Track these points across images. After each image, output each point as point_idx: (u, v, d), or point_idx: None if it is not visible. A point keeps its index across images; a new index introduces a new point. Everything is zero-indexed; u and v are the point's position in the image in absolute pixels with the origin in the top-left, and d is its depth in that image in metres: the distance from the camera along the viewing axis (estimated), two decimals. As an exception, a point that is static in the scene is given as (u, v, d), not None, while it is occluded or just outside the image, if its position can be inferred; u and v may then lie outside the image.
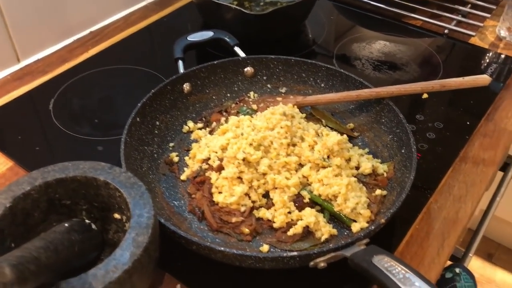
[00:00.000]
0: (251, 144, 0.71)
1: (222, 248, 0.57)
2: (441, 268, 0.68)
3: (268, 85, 0.88)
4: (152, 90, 0.78)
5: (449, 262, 0.85)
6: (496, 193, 1.03)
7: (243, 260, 0.58)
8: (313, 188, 0.69)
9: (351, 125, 0.83)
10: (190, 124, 0.82)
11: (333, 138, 0.73)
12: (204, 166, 0.73)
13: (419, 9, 1.17)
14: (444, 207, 0.75)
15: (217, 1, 0.99)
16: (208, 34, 0.94)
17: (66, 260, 0.51)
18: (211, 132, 0.80)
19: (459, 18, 1.14)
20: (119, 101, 0.93)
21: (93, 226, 0.60)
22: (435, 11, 1.17)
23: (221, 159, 0.72)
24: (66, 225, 0.56)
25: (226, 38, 0.93)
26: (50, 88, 0.94)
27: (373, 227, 0.61)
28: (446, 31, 1.11)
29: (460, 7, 1.18)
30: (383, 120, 0.79)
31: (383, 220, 0.61)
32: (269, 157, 0.71)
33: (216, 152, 0.73)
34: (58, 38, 1.05)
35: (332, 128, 0.81)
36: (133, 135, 0.73)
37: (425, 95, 0.92)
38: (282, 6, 1.04)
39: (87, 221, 0.60)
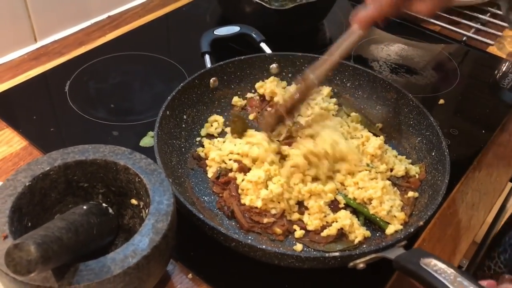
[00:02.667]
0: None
1: (264, 246, 0.57)
2: (452, 274, 0.68)
3: (293, 83, 0.87)
4: (181, 84, 0.77)
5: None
6: (504, 204, 1.03)
7: (283, 259, 0.58)
8: (348, 192, 0.69)
9: (379, 125, 0.83)
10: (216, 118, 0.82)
11: (373, 143, 0.73)
12: (224, 165, 0.73)
13: (439, 14, 1.17)
14: (457, 214, 0.75)
15: (238, -6, 0.99)
16: (234, 29, 0.93)
17: (85, 242, 0.50)
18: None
19: (478, 26, 1.14)
20: (135, 87, 0.92)
21: (110, 210, 0.60)
22: (454, 17, 1.16)
23: (238, 161, 0.71)
24: (85, 207, 0.56)
25: (252, 34, 0.93)
26: (66, 70, 0.94)
27: (412, 229, 0.61)
28: (464, 38, 1.11)
29: (480, 15, 1.17)
30: (411, 122, 0.79)
31: (421, 223, 0.61)
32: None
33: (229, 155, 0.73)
34: (76, 21, 1.04)
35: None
36: (163, 129, 0.72)
37: (441, 101, 0.92)
38: (302, 2, 1.03)
39: (104, 204, 0.60)
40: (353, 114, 0.81)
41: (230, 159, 0.72)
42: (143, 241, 0.51)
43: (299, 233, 0.66)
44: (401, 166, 0.73)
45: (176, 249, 0.61)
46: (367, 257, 0.57)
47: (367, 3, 0.71)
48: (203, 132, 0.79)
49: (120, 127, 0.82)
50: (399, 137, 0.80)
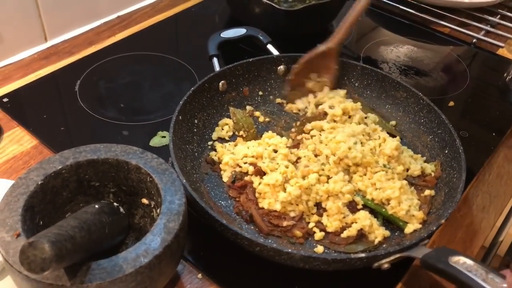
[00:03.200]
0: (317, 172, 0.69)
1: (290, 250, 0.57)
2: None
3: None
4: (192, 88, 0.77)
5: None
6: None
7: (309, 262, 0.58)
8: (366, 193, 0.69)
9: (394, 122, 0.83)
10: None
11: (390, 144, 0.73)
12: (238, 169, 0.72)
13: (448, 16, 1.16)
14: (467, 216, 0.74)
15: (247, -6, 0.99)
16: (241, 31, 0.93)
17: (97, 241, 0.51)
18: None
19: (488, 28, 1.14)
20: (145, 87, 0.93)
21: (121, 209, 0.60)
22: (463, 19, 1.16)
23: (254, 164, 0.71)
24: (97, 206, 0.56)
25: (259, 36, 0.93)
26: (76, 69, 0.94)
27: (434, 227, 0.61)
28: (474, 40, 1.10)
29: (489, 17, 1.17)
30: (422, 121, 0.79)
31: (442, 221, 0.61)
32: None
33: (244, 158, 0.73)
34: (86, 20, 1.04)
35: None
36: (177, 134, 0.71)
37: (451, 103, 0.92)
38: (311, 3, 1.03)
39: (115, 204, 0.60)
40: (370, 114, 0.81)
41: (245, 163, 0.72)
42: (155, 240, 0.51)
43: (319, 235, 0.65)
44: (417, 165, 0.73)
45: (186, 249, 0.61)
46: (392, 257, 0.57)
47: None
48: (214, 136, 0.79)
49: (130, 126, 0.83)
50: (410, 136, 0.81)
